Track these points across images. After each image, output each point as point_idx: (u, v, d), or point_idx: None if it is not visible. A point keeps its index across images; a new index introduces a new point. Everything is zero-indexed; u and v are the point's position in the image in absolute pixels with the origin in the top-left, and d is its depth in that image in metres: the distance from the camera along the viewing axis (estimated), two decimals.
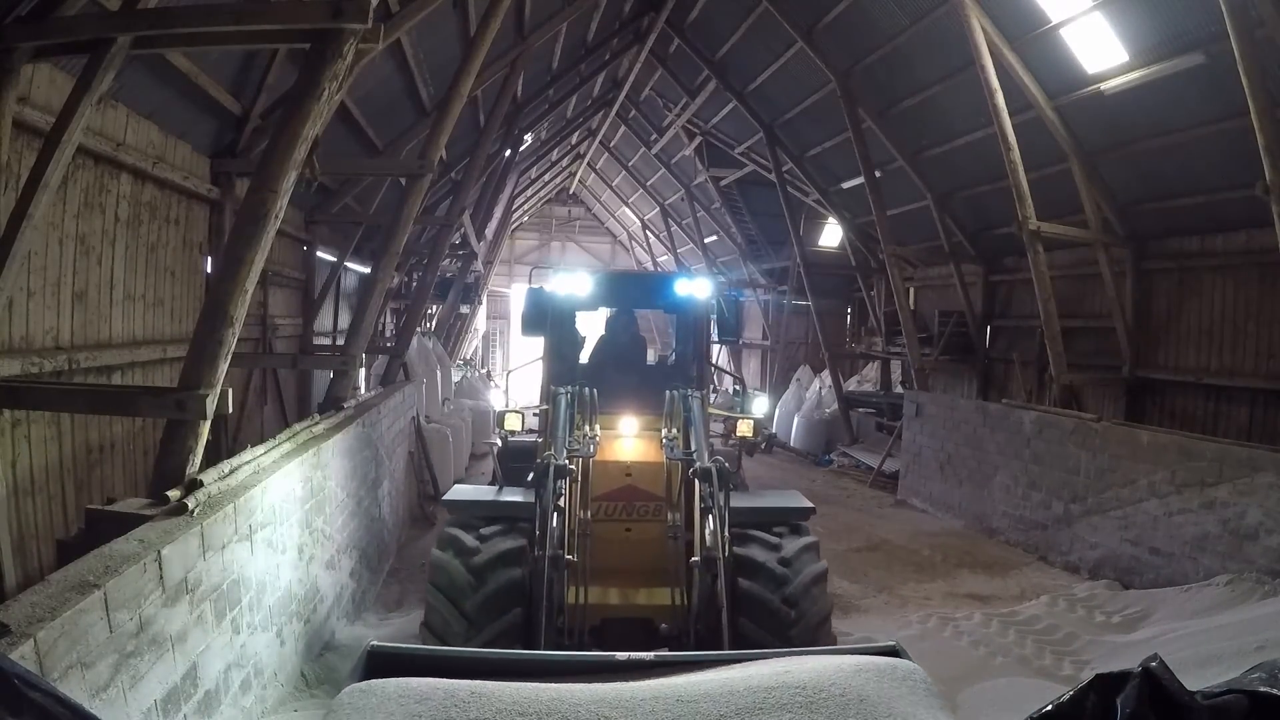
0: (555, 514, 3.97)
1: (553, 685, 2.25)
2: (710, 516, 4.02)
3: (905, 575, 7.72)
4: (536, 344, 6.44)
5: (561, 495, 4.12)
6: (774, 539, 4.72)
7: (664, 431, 5.09)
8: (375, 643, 2.49)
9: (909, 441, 11.39)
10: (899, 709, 2.12)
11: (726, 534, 3.94)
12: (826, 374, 16.29)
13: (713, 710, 2.12)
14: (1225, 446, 6.78)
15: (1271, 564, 5.98)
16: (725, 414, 6.85)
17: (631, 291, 7.22)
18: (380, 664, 2.36)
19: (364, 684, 2.26)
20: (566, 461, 4.21)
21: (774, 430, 16.17)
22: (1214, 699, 1.06)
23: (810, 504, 5.13)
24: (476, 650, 3.22)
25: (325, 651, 4.91)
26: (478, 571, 4.37)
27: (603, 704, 2.13)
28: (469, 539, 4.55)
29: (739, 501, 4.60)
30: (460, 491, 5.23)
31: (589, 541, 4.45)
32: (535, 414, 5.87)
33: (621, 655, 2.55)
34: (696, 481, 4.27)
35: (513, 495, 4.84)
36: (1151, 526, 7.12)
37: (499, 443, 6.02)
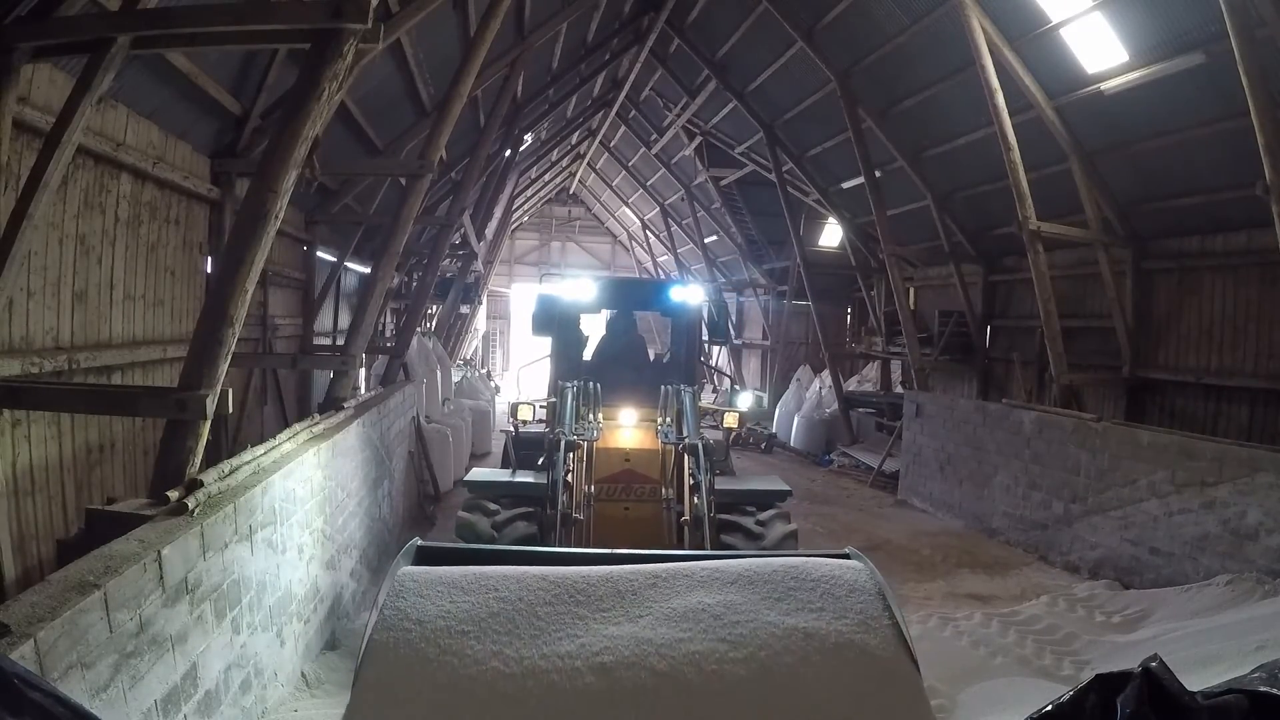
0: (563, 486, 4.60)
1: (568, 567, 2.87)
2: (700, 487, 4.65)
3: (905, 575, 7.71)
4: (541, 343, 7.14)
5: (569, 471, 4.75)
6: (752, 509, 5.40)
7: (659, 421, 5.71)
8: (420, 540, 3.14)
9: (909, 441, 11.39)
10: (843, 579, 2.80)
11: (712, 496, 4.60)
12: (826, 374, 16.29)
13: (699, 575, 2.80)
14: (1225, 446, 6.78)
15: (1271, 564, 5.98)
16: (714, 408, 7.55)
17: (630, 296, 7.84)
18: (426, 557, 2.93)
19: (417, 568, 2.87)
20: (576, 436, 4.91)
21: (774, 430, 16.18)
22: (1214, 699, 1.06)
23: (788, 487, 5.79)
24: (506, 548, 3.99)
25: (325, 651, 4.91)
26: (498, 526, 5.11)
27: (608, 578, 2.73)
28: (491, 504, 5.33)
29: (726, 484, 5.38)
30: (479, 473, 5.97)
31: (592, 512, 5.11)
32: (542, 406, 6.45)
33: (624, 551, 3.28)
34: (686, 457, 4.93)
35: (525, 477, 5.50)
36: (1151, 526, 7.12)
37: (512, 430, 6.59)
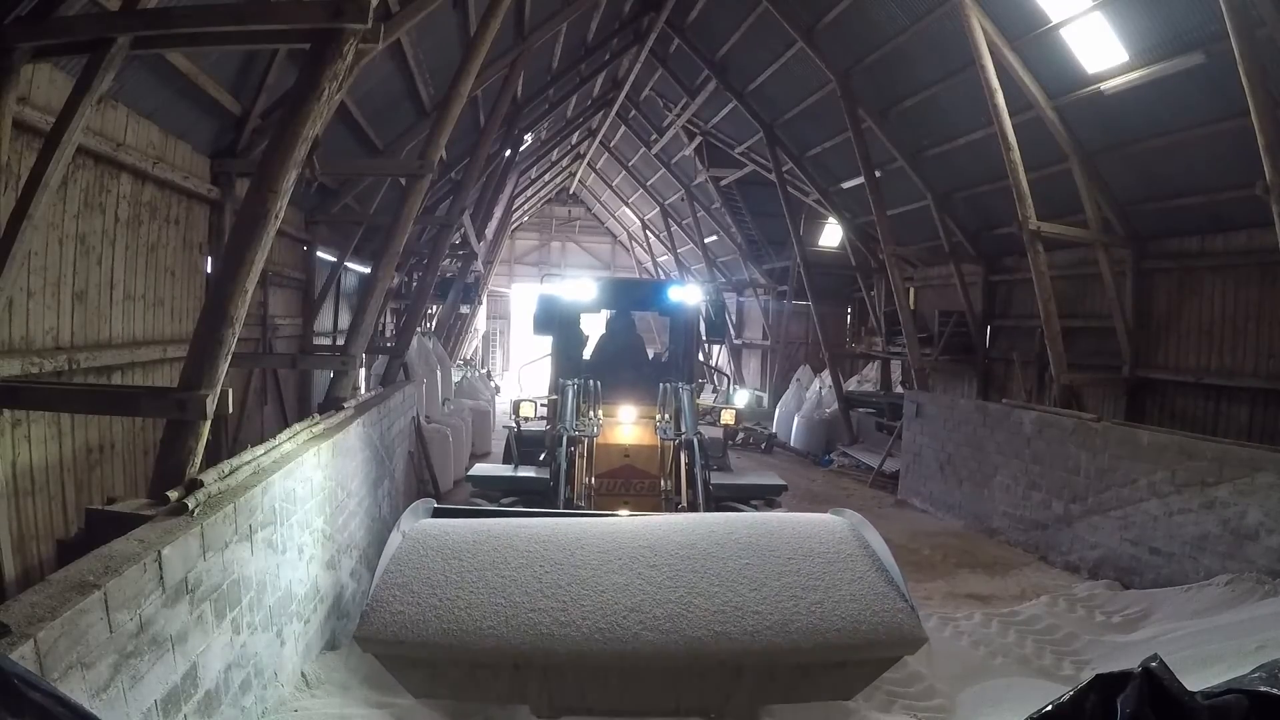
0: (565, 475, 4.84)
1: (572, 520, 3.25)
2: (696, 480, 4.90)
3: (905, 575, 7.69)
4: (541, 342, 7.39)
5: (571, 464, 4.95)
6: (750, 507, 5.63)
7: (658, 418, 5.91)
8: (435, 504, 3.61)
9: (909, 441, 11.39)
10: (828, 523, 3.28)
11: (709, 488, 4.84)
12: (826, 374, 16.29)
13: (693, 524, 3.17)
14: (1225, 446, 6.78)
15: (1271, 564, 5.98)
16: (710, 405, 7.85)
17: (629, 296, 8.01)
18: (439, 516, 3.37)
19: (429, 520, 3.32)
20: (577, 432, 5.13)
21: (774, 430, 16.18)
22: (1214, 699, 1.06)
23: (783, 482, 6.07)
24: (513, 509, 4.29)
25: (325, 651, 4.90)
26: None
27: (608, 525, 3.12)
28: (492, 506, 5.39)
29: (722, 479, 5.64)
30: (481, 469, 6.27)
31: (593, 504, 5.29)
32: (544, 404, 6.66)
33: (624, 512, 3.66)
34: (683, 452, 5.17)
35: (527, 472, 5.78)
36: (1151, 526, 7.12)
37: (515, 427, 6.79)
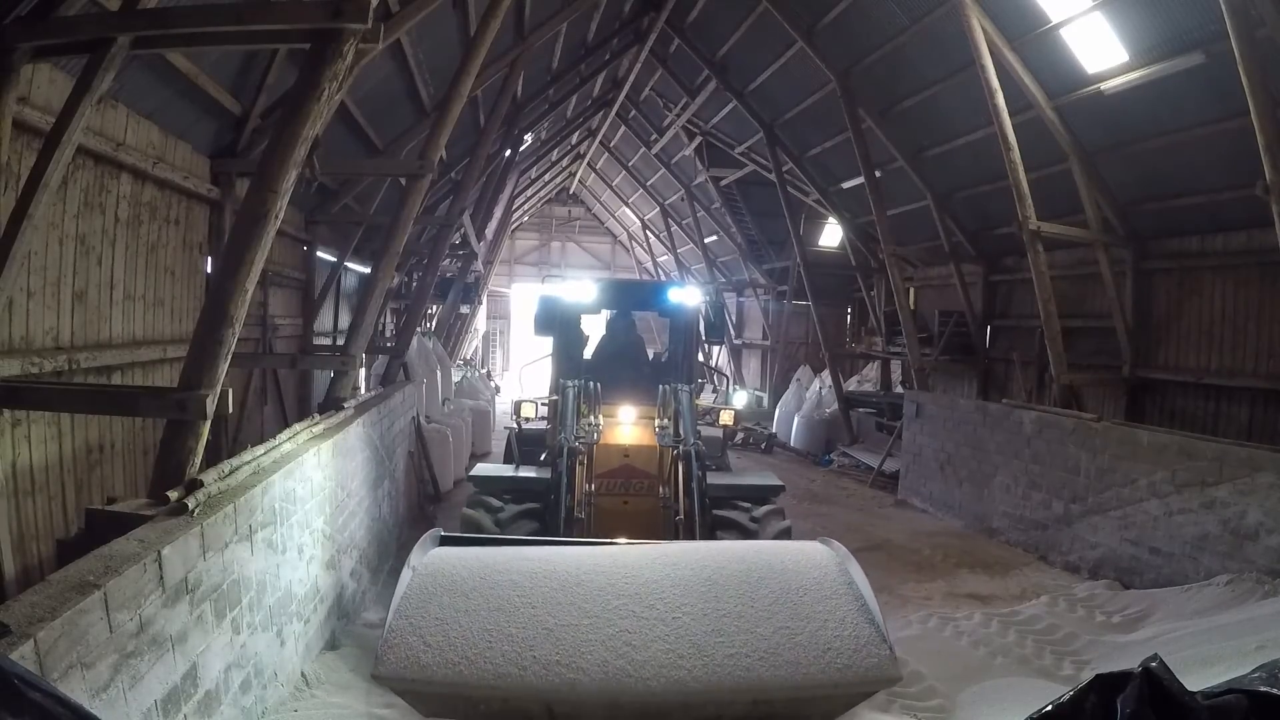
0: (566, 486, 4.87)
1: (573, 548, 3.47)
2: (694, 492, 4.94)
3: (905, 575, 7.71)
4: (542, 342, 7.31)
5: (572, 475, 4.98)
6: (747, 505, 5.67)
7: (657, 420, 5.97)
8: (443, 531, 3.71)
9: (909, 441, 11.39)
10: (816, 565, 3.40)
11: (705, 500, 4.94)
12: (826, 374, 16.29)
13: (686, 558, 3.38)
14: (1225, 446, 6.77)
15: (1271, 564, 5.98)
16: (709, 406, 7.94)
17: (629, 296, 8.04)
18: (447, 544, 3.53)
19: (440, 549, 3.48)
20: (578, 444, 5.15)
21: (774, 430, 16.19)
22: (1214, 699, 1.06)
23: (780, 482, 6.08)
24: (517, 538, 4.46)
25: (325, 651, 4.91)
26: (502, 524, 5.32)
27: (604, 559, 3.30)
28: (495, 501, 5.56)
29: (721, 479, 5.68)
30: (483, 468, 6.28)
31: (593, 509, 5.46)
32: (544, 404, 6.72)
33: (623, 540, 3.74)
34: (681, 464, 5.16)
35: (527, 472, 5.83)
36: (1151, 526, 7.12)
37: (516, 427, 6.86)
